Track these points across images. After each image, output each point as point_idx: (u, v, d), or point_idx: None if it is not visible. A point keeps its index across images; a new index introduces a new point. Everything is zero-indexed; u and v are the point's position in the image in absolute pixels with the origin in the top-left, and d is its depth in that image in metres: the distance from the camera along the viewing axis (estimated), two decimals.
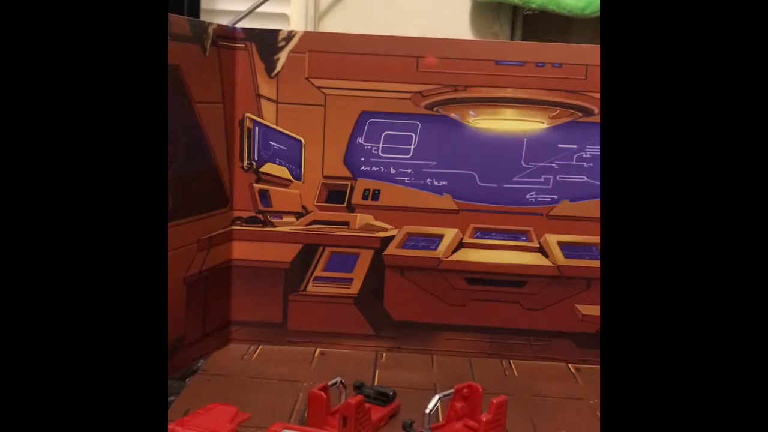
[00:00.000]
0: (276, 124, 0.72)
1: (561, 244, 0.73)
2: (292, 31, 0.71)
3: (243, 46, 0.71)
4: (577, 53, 0.70)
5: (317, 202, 0.74)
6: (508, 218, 0.73)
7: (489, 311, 0.74)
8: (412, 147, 0.72)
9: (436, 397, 0.55)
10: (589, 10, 0.85)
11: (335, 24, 0.95)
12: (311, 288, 0.75)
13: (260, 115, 0.72)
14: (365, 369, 0.70)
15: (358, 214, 0.74)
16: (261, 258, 0.74)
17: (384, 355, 0.75)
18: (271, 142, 0.72)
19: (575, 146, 0.72)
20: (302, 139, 0.72)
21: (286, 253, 0.74)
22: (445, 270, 0.74)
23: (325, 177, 0.73)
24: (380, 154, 0.72)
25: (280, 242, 0.74)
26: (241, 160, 0.73)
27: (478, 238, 0.74)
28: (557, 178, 0.72)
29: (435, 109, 0.72)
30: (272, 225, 0.74)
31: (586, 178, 0.72)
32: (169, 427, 0.52)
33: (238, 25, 0.73)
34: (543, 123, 0.71)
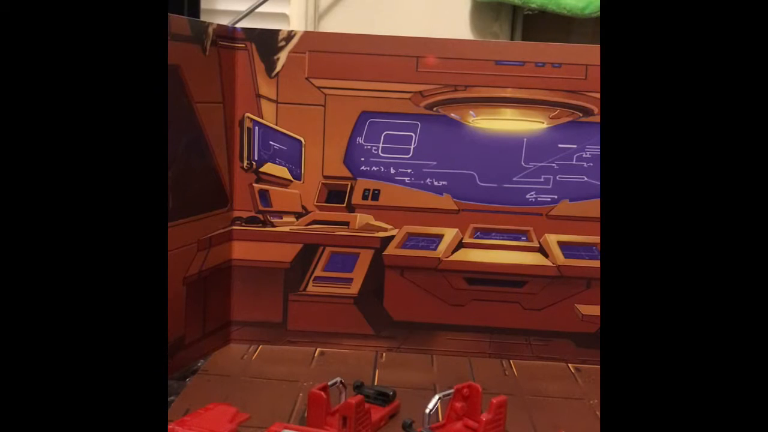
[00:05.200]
0: (276, 124, 0.72)
1: (561, 244, 0.73)
2: (292, 31, 0.71)
3: (243, 46, 0.71)
4: (577, 53, 0.70)
5: (317, 202, 0.74)
6: (508, 218, 0.73)
7: (489, 311, 0.74)
8: (412, 147, 0.72)
9: (436, 397, 0.55)
10: (589, 10, 0.85)
11: (335, 24, 0.95)
12: (311, 288, 0.75)
13: (260, 115, 0.72)
14: (365, 369, 0.70)
15: (358, 214, 0.74)
16: (261, 258, 0.74)
17: (384, 355, 0.75)
18: (271, 142, 0.72)
19: (575, 146, 0.72)
20: (302, 139, 0.72)
21: (286, 253, 0.74)
22: (445, 270, 0.74)
23: (325, 177, 0.73)
24: (380, 154, 0.72)
25: (280, 242, 0.74)
26: (241, 160, 0.73)
27: (478, 238, 0.74)
28: (557, 178, 0.72)
29: (435, 109, 0.72)
30: (272, 225, 0.74)
31: (586, 178, 0.72)
32: (169, 427, 0.52)
33: (238, 25, 0.73)
34: (543, 123, 0.71)
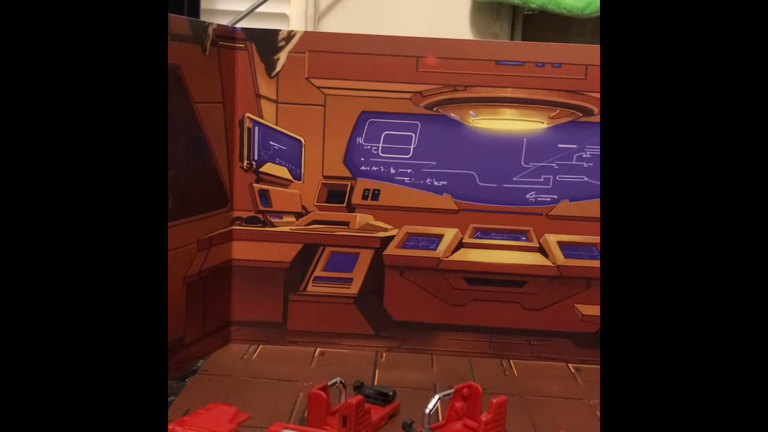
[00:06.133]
0: (276, 124, 0.72)
1: (561, 244, 0.73)
2: (292, 31, 0.71)
3: (243, 46, 0.71)
4: (577, 53, 0.70)
5: (317, 202, 0.74)
6: (508, 218, 0.73)
7: (489, 311, 0.74)
8: (412, 147, 0.72)
9: (436, 397, 0.55)
10: (589, 10, 0.85)
11: (335, 24, 0.95)
12: (311, 288, 0.75)
13: (260, 115, 0.72)
14: (365, 369, 0.70)
15: (358, 214, 0.74)
16: (261, 258, 0.74)
17: (384, 355, 0.75)
18: (271, 142, 0.72)
19: (575, 146, 0.72)
20: (302, 139, 0.72)
21: (286, 253, 0.74)
22: (445, 270, 0.74)
23: (325, 177, 0.73)
24: (380, 154, 0.72)
25: (280, 242, 0.74)
26: (241, 160, 0.73)
27: (478, 238, 0.74)
28: (557, 178, 0.72)
29: (435, 109, 0.72)
30: (272, 225, 0.74)
31: (586, 178, 0.72)
32: (169, 427, 0.52)
33: (238, 25, 0.73)
34: (543, 123, 0.71)
